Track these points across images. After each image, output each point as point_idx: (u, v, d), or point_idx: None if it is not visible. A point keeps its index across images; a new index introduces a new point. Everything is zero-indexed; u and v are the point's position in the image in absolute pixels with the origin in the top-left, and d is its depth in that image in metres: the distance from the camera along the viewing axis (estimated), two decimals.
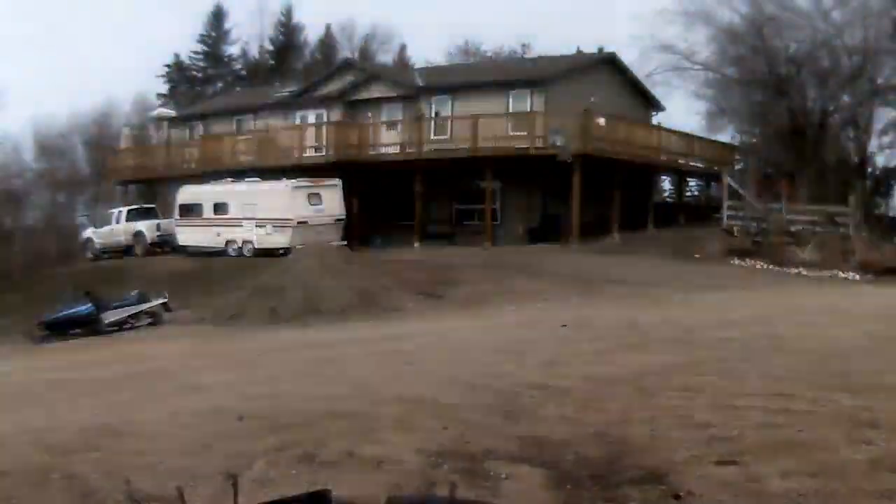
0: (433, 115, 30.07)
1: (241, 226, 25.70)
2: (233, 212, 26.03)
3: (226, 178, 27.51)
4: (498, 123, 27.02)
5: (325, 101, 32.68)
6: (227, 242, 25.96)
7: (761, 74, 31.04)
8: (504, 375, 9.18)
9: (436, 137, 28.04)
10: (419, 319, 16.19)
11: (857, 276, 21.51)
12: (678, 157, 28.24)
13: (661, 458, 5.89)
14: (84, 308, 18.19)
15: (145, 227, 29.11)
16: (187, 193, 27.93)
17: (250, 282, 19.31)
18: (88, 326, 17.89)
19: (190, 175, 32.52)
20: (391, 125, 29.72)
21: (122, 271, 26.83)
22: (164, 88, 59.67)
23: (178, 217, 27.66)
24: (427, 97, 30.72)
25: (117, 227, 29.73)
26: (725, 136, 33.72)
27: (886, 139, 33.82)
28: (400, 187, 28.76)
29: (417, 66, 40.76)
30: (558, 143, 24.76)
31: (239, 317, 17.38)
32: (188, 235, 27.03)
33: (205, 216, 26.75)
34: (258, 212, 25.27)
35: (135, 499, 2.04)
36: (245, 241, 25.64)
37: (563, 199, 26.04)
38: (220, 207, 26.45)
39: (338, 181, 26.13)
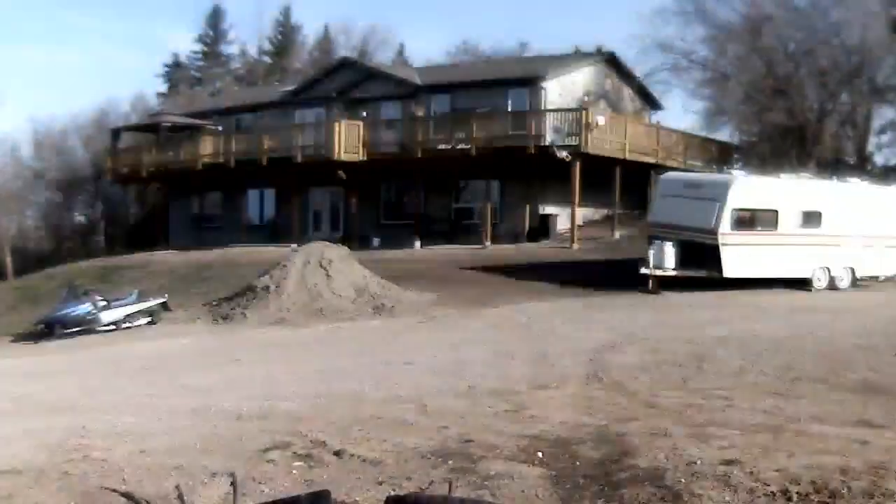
0: (432, 113, 30.06)
1: (839, 245, 18.89)
2: (829, 225, 18.88)
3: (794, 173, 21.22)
4: (497, 122, 27.02)
5: (324, 100, 32.66)
6: (817, 270, 18.82)
7: (760, 73, 31.07)
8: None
9: (434, 136, 28.01)
10: (422, 318, 16.16)
11: None
12: (677, 156, 28.25)
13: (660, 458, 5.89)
14: (82, 307, 18.16)
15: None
16: (748, 191, 18.81)
17: (249, 280, 19.27)
18: (86, 325, 17.86)
19: (184, 174, 32.58)
20: (390, 124, 29.70)
21: (122, 270, 26.83)
22: (163, 88, 59.77)
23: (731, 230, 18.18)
24: (426, 96, 30.71)
25: None
26: (724, 135, 33.80)
27: (885, 138, 33.93)
28: (399, 186, 28.71)
29: (416, 65, 40.77)
30: (557, 142, 24.76)
31: (238, 316, 17.34)
32: (745, 259, 18.07)
33: (781, 230, 18.65)
34: (866, 226, 19.12)
35: (135, 499, 2.03)
36: (844, 269, 19.18)
37: (562, 197, 26.06)
38: (810, 218, 18.86)
39: None
